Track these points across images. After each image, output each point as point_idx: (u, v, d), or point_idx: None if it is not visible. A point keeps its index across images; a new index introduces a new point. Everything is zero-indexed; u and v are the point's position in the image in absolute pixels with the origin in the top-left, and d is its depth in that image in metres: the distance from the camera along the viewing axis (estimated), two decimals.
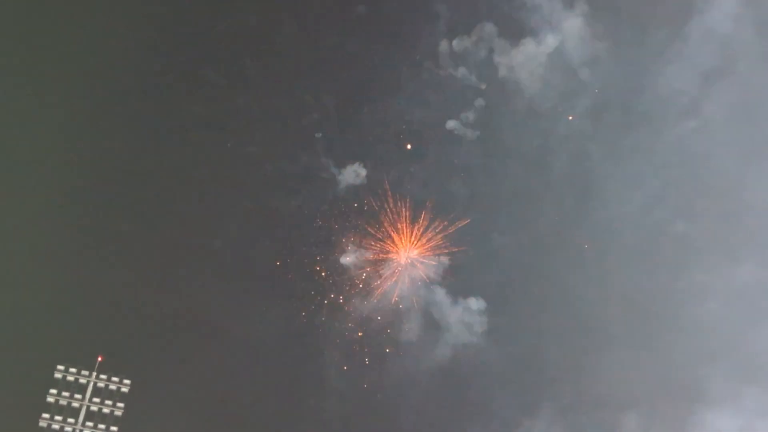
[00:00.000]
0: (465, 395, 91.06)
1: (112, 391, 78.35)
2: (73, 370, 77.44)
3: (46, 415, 75.40)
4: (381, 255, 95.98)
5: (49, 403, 75.87)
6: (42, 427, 75.09)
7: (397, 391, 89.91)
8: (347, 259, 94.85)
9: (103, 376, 78.31)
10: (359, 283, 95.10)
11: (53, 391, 76.27)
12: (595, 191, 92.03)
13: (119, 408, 78.00)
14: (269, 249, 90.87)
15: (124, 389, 78.64)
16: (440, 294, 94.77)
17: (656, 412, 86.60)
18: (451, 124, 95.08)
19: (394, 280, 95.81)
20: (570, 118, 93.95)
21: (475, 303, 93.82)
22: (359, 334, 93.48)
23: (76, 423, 76.49)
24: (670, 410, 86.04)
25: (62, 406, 76.36)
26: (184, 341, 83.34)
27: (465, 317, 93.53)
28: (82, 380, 77.68)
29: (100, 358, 78.61)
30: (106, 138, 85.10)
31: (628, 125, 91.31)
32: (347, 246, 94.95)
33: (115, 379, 78.53)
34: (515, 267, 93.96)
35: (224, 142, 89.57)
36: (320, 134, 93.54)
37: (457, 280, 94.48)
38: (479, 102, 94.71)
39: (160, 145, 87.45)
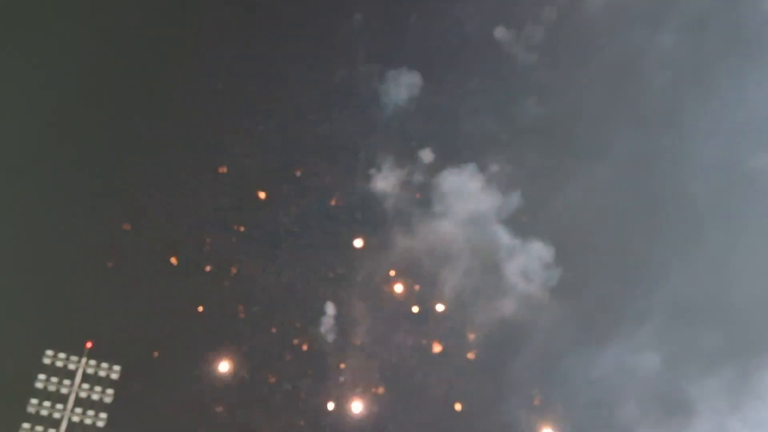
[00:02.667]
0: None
1: (101, 377, 77.82)
2: (62, 355, 76.83)
3: (34, 401, 74.68)
4: None
5: (38, 389, 75.18)
6: (30, 413, 74.36)
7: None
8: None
9: (92, 362, 77.78)
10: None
11: (42, 376, 75.58)
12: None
13: (108, 394, 77.51)
14: None
15: (114, 375, 78.16)
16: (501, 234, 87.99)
17: None
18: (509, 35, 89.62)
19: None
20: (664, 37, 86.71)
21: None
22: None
23: (64, 409, 75.79)
24: None
25: (51, 391, 75.64)
26: (175, 327, 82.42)
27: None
28: (71, 366, 77.02)
29: (89, 344, 78.02)
30: (95, 126, 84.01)
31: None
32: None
33: (104, 365, 78.04)
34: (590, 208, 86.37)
35: None
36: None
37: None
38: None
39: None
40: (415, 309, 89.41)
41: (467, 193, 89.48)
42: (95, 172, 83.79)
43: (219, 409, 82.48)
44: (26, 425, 73.66)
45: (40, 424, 74.29)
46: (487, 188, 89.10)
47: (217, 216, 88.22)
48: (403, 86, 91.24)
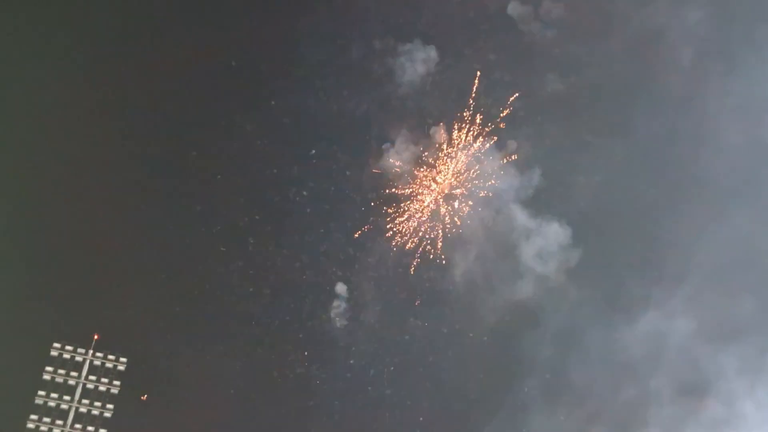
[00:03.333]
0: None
1: (108, 368, 78.68)
2: (69, 347, 77.94)
3: (42, 392, 76.20)
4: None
5: (46, 381, 76.58)
6: (38, 404, 75.90)
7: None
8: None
9: (99, 354, 78.67)
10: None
11: (49, 368, 76.93)
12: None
13: (115, 386, 78.43)
14: None
15: (121, 367, 78.92)
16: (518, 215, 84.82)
17: None
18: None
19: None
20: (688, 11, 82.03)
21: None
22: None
23: (72, 400, 77.08)
24: None
25: (58, 383, 76.97)
26: (181, 319, 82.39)
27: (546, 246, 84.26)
28: (78, 358, 78.10)
29: (96, 337, 78.83)
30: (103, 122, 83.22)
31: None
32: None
33: (111, 357, 78.82)
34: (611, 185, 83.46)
35: None
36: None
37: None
38: None
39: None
40: (428, 290, 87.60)
41: (484, 172, 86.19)
42: (103, 166, 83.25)
43: (226, 397, 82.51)
44: (34, 416, 75.27)
45: (47, 416, 75.82)
46: (505, 166, 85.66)
47: (228, 198, 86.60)
48: (418, 61, 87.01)
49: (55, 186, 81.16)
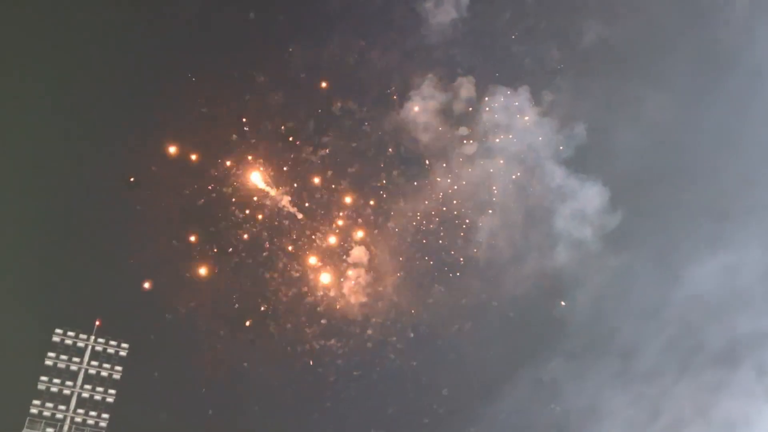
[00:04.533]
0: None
1: (110, 354, 78.93)
2: (71, 333, 78.18)
3: (44, 378, 76.40)
4: None
5: (48, 366, 76.74)
6: (41, 390, 76.01)
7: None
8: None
9: (101, 340, 78.90)
10: None
11: (51, 354, 77.13)
12: None
13: (117, 371, 78.64)
14: None
15: (123, 353, 79.18)
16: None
17: None
18: None
19: None
20: None
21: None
22: None
23: (74, 385, 77.25)
24: None
25: (60, 368, 77.12)
26: (183, 304, 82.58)
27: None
28: (80, 344, 78.31)
29: (98, 322, 79.07)
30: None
31: None
32: None
33: (113, 342, 79.10)
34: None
35: None
36: None
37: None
38: None
39: None
40: (452, 257, 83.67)
41: (516, 127, 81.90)
42: (105, 152, 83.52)
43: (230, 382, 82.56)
44: (37, 401, 75.41)
45: (50, 401, 75.92)
46: (540, 122, 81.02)
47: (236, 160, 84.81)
48: (446, 6, 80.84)
49: (56, 169, 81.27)
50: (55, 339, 77.50)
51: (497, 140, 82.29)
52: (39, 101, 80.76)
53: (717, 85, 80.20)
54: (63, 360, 77.21)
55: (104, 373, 78.21)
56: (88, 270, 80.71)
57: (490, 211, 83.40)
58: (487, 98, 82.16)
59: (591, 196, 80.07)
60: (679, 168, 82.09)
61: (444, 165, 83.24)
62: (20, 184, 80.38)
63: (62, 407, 76.04)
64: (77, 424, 75.97)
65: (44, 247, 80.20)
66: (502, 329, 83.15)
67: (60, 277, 79.61)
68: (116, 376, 78.45)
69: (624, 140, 79.60)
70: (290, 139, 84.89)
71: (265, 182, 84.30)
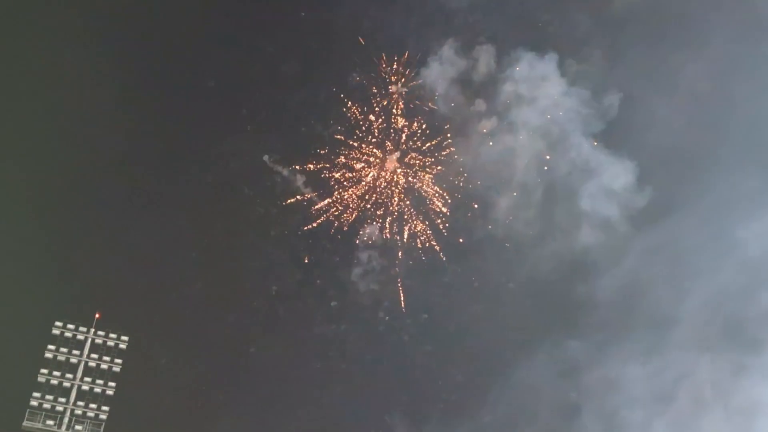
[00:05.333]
0: None
1: (110, 347, 78.87)
2: (71, 326, 78.30)
3: (44, 371, 76.56)
4: None
5: (48, 359, 76.84)
6: (41, 382, 76.16)
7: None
8: None
9: (100, 333, 78.95)
10: None
11: (51, 347, 77.29)
12: None
13: (117, 364, 78.54)
14: None
15: (122, 345, 79.09)
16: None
17: None
18: None
19: None
20: None
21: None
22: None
23: (74, 378, 77.31)
24: None
25: (61, 361, 77.21)
26: (183, 297, 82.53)
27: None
28: (80, 336, 78.39)
29: (97, 315, 79.17)
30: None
31: None
32: None
33: (113, 335, 79.07)
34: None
35: None
36: None
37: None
38: None
39: None
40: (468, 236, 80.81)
41: (539, 98, 77.59)
42: (106, 149, 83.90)
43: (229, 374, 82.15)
44: (37, 394, 75.53)
45: (50, 393, 76.01)
46: (567, 92, 76.83)
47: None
48: None
49: (56, 164, 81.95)
50: (55, 332, 77.54)
51: (521, 112, 78.46)
52: (38, 98, 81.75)
53: (756, 52, 76.95)
54: (63, 353, 77.23)
55: (104, 366, 78.06)
56: (87, 264, 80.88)
57: (510, 187, 79.86)
58: (509, 67, 78.37)
59: (621, 170, 76.07)
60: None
61: (463, 139, 79.72)
62: (21, 178, 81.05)
63: (62, 399, 76.01)
64: (77, 416, 75.90)
65: (44, 241, 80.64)
66: (519, 308, 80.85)
67: (60, 271, 79.77)
68: (116, 369, 78.27)
69: (658, 113, 76.27)
70: None
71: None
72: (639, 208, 77.21)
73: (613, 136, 77.55)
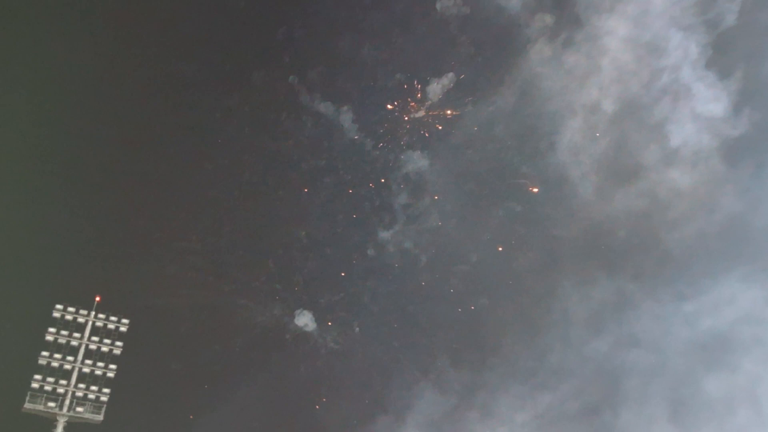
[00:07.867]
0: None
1: (110, 330, 79.09)
2: (71, 309, 78.46)
3: (45, 353, 76.82)
4: None
5: (49, 341, 77.06)
6: (41, 365, 76.41)
7: None
8: None
9: (101, 315, 79.14)
10: None
11: (52, 329, 77.48)
12: None
13: (118, 346, 78.80)
14: None
15: (123, 328, 79.31)
16: None
17: None
18: None
19: None
20: None
21: None
22: None
23: (75, 361, 77.54)
24: None
25: (61, 344, 77.41)
26: (184, 280, 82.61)
27: None
28: (81, 319, 78.57)
29: (98, 298, 79.31)
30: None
31: None
32: None
33: (113, 318, 79.24)
34: None
35: None
36: None
37: None
38: None
39: None
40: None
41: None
42: (108, 135, 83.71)
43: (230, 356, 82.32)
44: (38, 376, 75.74)
45: (51, 375, 76.31)
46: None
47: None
48: None
49: (56, 147, 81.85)
50: (56, 314, 77.70)
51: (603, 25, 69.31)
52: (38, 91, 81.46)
53: None
54: (64, 335, 77.44)
55: (105, 349, 78.31)
56: (88, 246, 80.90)
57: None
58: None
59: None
60: None
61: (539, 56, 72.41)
62: (21, 163, 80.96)
63: (63, 382, 76.30)
64: (78, 398, 76.20)
65: (44, 224, 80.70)
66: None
67: (60, 254, 79.87)
68: (117, 352, 78.52)
69: None
70: None
71: None
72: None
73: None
